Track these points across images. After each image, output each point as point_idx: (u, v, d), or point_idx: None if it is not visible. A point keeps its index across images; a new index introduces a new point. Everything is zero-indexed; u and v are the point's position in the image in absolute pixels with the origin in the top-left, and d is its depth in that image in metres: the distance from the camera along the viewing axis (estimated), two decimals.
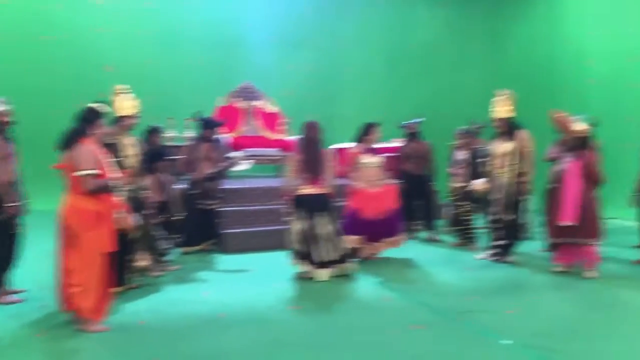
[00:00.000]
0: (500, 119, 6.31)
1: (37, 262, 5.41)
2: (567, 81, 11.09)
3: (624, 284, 5.51)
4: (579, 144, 5.77)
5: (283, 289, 5.38)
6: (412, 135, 8.00)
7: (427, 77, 12.56)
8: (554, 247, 6.07)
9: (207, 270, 6.18)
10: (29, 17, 10.09)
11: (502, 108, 6.30)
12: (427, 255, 6.89)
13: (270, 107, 10.04)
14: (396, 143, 8.60)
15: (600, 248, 5.87)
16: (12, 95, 5.11)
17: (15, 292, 4.94)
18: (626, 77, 9.87)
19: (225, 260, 6.63)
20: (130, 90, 5.40)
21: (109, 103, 4.39)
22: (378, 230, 6.38)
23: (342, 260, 5.77)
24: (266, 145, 9.44)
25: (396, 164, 8.17)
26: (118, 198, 4.36)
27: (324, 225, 5.68)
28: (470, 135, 7.54)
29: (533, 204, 7.79)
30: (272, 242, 6.91)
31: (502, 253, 6.43)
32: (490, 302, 4.91)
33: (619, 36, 10.06)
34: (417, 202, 7.90)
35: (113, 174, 4.29)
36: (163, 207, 6.14)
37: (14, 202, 4.75)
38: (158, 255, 5.90)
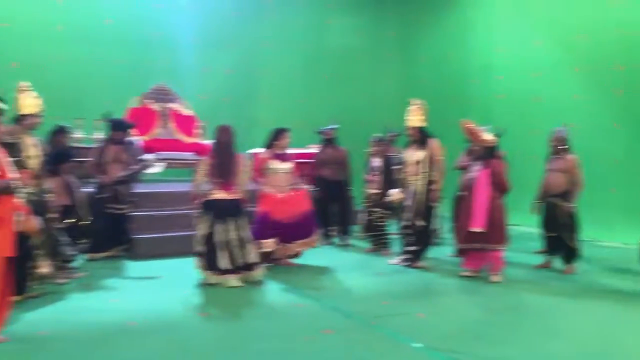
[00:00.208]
0: (413, 128, 6.48)
1: None
2: (476, 94, 11.55)
3: (527, 288, 5.78)
4: (487, 153, 6.02)
5: (192, 296, 5.26)
6: (329, 141, 8.06)
7: (344, 83, 12.70)
8: (462, 252, 6.30)
9: (115, 277, 5.93)
10: None
11: (414, 117, 6.47)
12: (341, 261, 6.94)
13: (185, 110, 9.80)
14: (313, 149, 8.64)
15: (506, 253, 6.14)
16: None
17: None
18: (532, 92, 10.42)
19: (134, 267, 6.40)
20: (33, 88, 5.13)
21: (6, 101, 4.12)
22: (291, 232, 6.32)
23: (251, 266, 5.69)
24: (181, 149, 9.19)
25: (312, 169, 8.22)
26: (18, 200, 4.09)
27: (234, 231, 5.60)
28: (384, 143, 7.71)
29: (443, 210, 8.08)
30: (185, 248, 6.67)
31: (414, 258, 6.58)
32: (402, 306, 5.01)
33: (525, 52, 10.62)
34: (333, 207, 7.98)
35: (13, 175, 4.02)
36: (68, 211, 5.86)
37: None
38: (62, 262, 5.59)
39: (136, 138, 8.43)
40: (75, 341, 3.99)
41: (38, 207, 4.86)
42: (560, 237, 6.45)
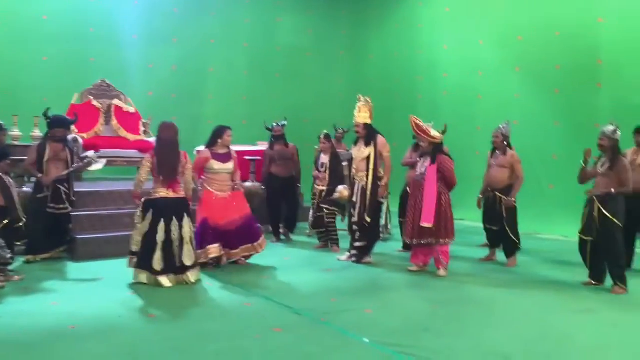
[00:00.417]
0: (360, 125, 6.52)
1: None
2: (422, 91, 11.77)
3: (471, 281, 5.91)
4: (435, 150, 6.11)
5: (136, 298, 5.12)
6: (278, 138, 8.01)
7: (293, 80, 12.72)
8: (409, 247, 6.37)
9: (54, 279, 5.72)
10: None
11: (361, 114, 6.51)
12: (290, 258, 6.93)
13: (128, 107, 9.55)
14: (261, 146, 8.58)
15: (451, 247, 6.26)
16: None
17: None
18: (475, 89, 10.67)
19: (75, 269, 6.19)
20: None
21: None
22: (233, 237, 6.21)
23: (186, 268, 5.56)
24: (124, 146, 8.94)
25: (262, 166, 8.17)
26: None
27: (176, 231, 5.49)
28: (333, 140, 7.74)
29: (390, 206, 8.18)
30: (128, 248, 6.56)
31: (362, 254, 6.62)
32: (351, 302, 5.03)
33: (468, 51, 10.85)
34: (283, 204, 7.97)
35: None
36: (4, 212, 5.61)
37: None
38: None
39: (77, 135, 8.19)
40: (13, 347, 3.82)
41: None
42: (502, 230, 6.62)
